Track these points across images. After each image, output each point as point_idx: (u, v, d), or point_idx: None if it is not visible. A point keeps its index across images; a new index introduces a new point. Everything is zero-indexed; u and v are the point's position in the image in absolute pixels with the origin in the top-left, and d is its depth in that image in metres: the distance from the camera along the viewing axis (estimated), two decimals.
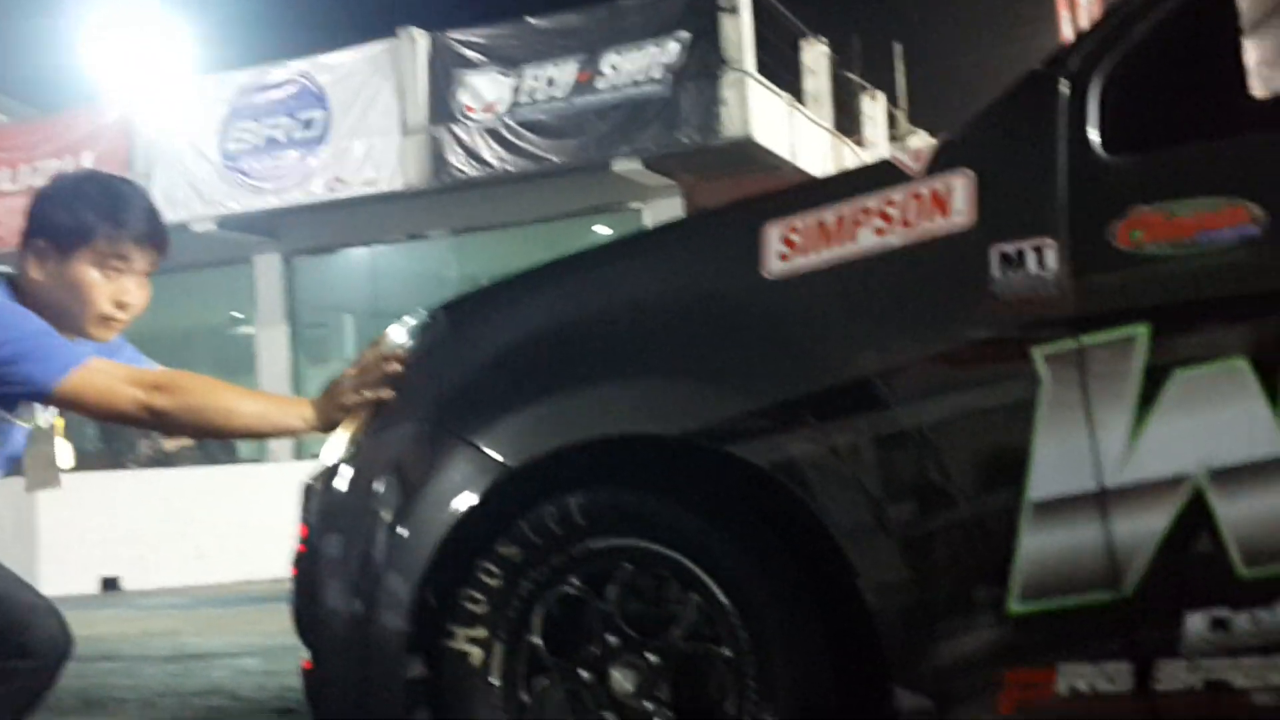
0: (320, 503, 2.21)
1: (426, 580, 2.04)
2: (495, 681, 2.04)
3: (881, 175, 1.89)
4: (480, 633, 2.03)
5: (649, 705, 1.95)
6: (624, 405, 1.99)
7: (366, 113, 12.71)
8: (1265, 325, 1.62)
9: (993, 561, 1.73)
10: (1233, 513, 1.62)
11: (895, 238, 1.83)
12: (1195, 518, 1.64)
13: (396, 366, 2.14)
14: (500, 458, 2.03)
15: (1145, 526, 1.66)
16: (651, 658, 1.96)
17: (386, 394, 2.13)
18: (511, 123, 12.07)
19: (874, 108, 17.03)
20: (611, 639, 1.99)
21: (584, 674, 2.00)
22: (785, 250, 1.91)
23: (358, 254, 14.33)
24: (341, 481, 2.17)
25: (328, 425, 2.15)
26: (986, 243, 1.77)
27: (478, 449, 2.05)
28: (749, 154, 11.71)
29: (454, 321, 2.21)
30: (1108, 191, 1.73)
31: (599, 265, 2.21)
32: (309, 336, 14.69)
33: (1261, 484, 1.61)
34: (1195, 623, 1.65)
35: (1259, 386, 1.61)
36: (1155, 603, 1.67)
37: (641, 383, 1.99)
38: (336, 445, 2.18)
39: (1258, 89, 1.74)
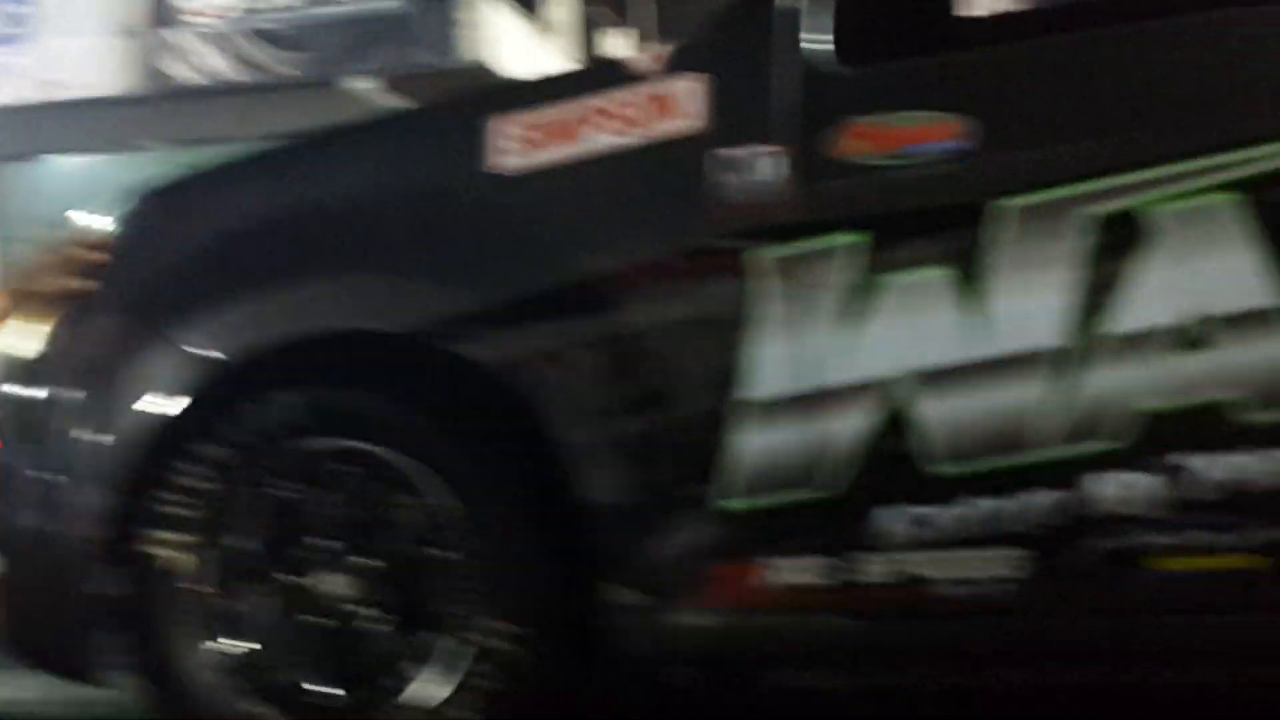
0: (8, 404, 2.06)
1: (127, 486, 1.93)
2: (200, 589, 1.95)
3: (614, 75, 1.89)
4: (185, 538, 1.94)
5: (369, 611, 1.91)
6: (344, 300, 1.92)
7: (80, 10, 11.83)
8: (968, 236, 1.70)
9: (705, 462, 1.77)
10: (934, 414, 1.71)
11: (624, 139, 1.83)
12: (899, 419, 1.72)
13: (99, 255, 2.00)
14: (212, 353, 1.92)
15: (851, 427, 1.73)
16: (372, 562, 1.91)
17: (87, 284, 1.99)
18: (240, 31, 11.49)
19: (624, 44, 17.05)
20: (329, 543, 1.92)
21: (301, 580, 1.93)
22: (510, 145, 1.87)
23: (69, 164, 13.37)
24: (33, 380, 2.02)
25: (18, 315, 1.99)
26: (713, 147, 1.79)
27: (186, 345, 1.93)
28: (486, 81, 11.54)
29: (164, 208, 2.08)
30: (831, 102, 1.77)
31: (319, 153, 2.12)
32: (13, 253, 13.65)
33: (961, 387, 1.70)
34: (895, 518, 1.73)
35: (961, 294, 1.70)
36: (858, 500, 1.75)
37: (364, 277, 1.92)
38: (25, 339, 2.03)
39: (960, 8, 1.84)
